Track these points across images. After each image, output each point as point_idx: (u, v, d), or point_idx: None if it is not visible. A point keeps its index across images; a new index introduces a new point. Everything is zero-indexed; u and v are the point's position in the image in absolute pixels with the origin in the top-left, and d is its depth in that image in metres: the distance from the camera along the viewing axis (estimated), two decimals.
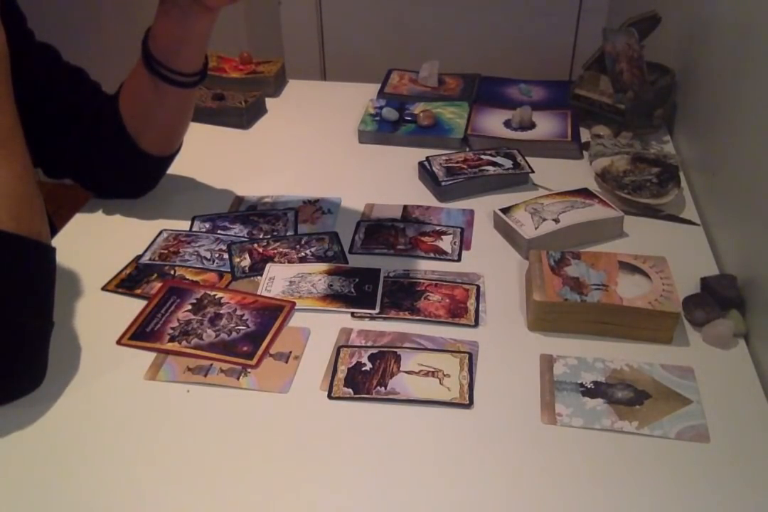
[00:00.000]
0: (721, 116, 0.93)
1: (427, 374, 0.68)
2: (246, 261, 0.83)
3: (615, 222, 0.88)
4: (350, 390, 0.67)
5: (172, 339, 0.72)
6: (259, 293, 0.78)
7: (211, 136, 1.14)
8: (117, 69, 0.94)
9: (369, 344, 0.72)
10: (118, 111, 0.87)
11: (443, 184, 0.96)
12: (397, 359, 0.70)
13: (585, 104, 1.12)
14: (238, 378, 0.68)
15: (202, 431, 0.63)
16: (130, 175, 0.93)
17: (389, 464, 0.60)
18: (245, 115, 1.16)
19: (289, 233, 0.89)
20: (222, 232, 0.89)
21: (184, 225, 0.91)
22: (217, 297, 0.77)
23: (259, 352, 0.70)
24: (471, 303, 0.77)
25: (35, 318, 0.66)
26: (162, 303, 0.76)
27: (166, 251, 0.85)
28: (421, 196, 0.98)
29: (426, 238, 0.88)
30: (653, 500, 0.57)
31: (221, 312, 0.75)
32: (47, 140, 0.85)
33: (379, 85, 1.26)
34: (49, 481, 0.59)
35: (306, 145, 1.12)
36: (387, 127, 1.12)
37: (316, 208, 0.95)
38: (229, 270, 0.82)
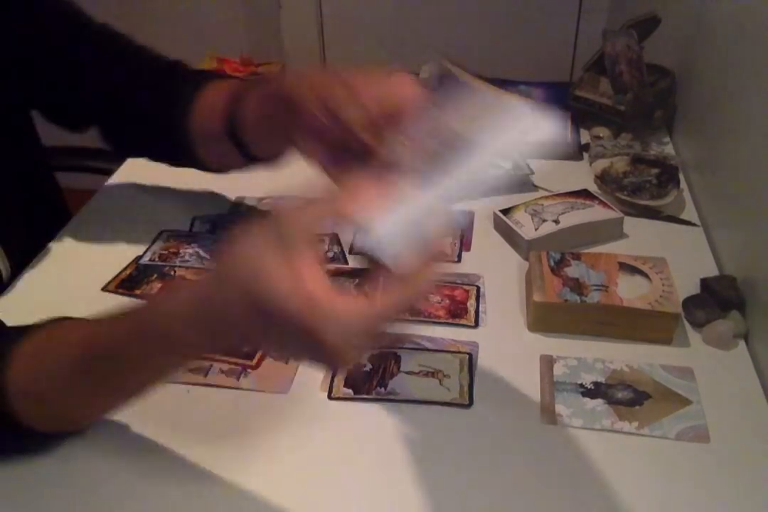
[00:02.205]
0: (721, 117, 0.94)
1: (427, 374, 0.68)
2: None
3: (615, 223, 0.88)
4: (350, 391, 0.67)
5: None
6: None
7: None
8: None
9: None
10: (188, 125, 0.79)
11: None
12: (397, 359, 0.70)
13: (585, 105, 1.12)
14: (238, 379, 0.68)
15: (202, 431, 0.63)
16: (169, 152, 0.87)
17: (389, 464, 0.60)
18: None
19: None
20: (222, 233, 0.89)
21: (184, 225, 0.91)
22: None
23: (259, 352, 0.70)
24: (471, 304, 0.77)
25: None
26: None
27: (166, 252, 0.85)
28: None
29: None
30: (653, 500, 0.57)
31: None
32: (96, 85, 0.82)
33: None
34: (49, 481, 0.59)
35: None
36: None
37: None
38: None
